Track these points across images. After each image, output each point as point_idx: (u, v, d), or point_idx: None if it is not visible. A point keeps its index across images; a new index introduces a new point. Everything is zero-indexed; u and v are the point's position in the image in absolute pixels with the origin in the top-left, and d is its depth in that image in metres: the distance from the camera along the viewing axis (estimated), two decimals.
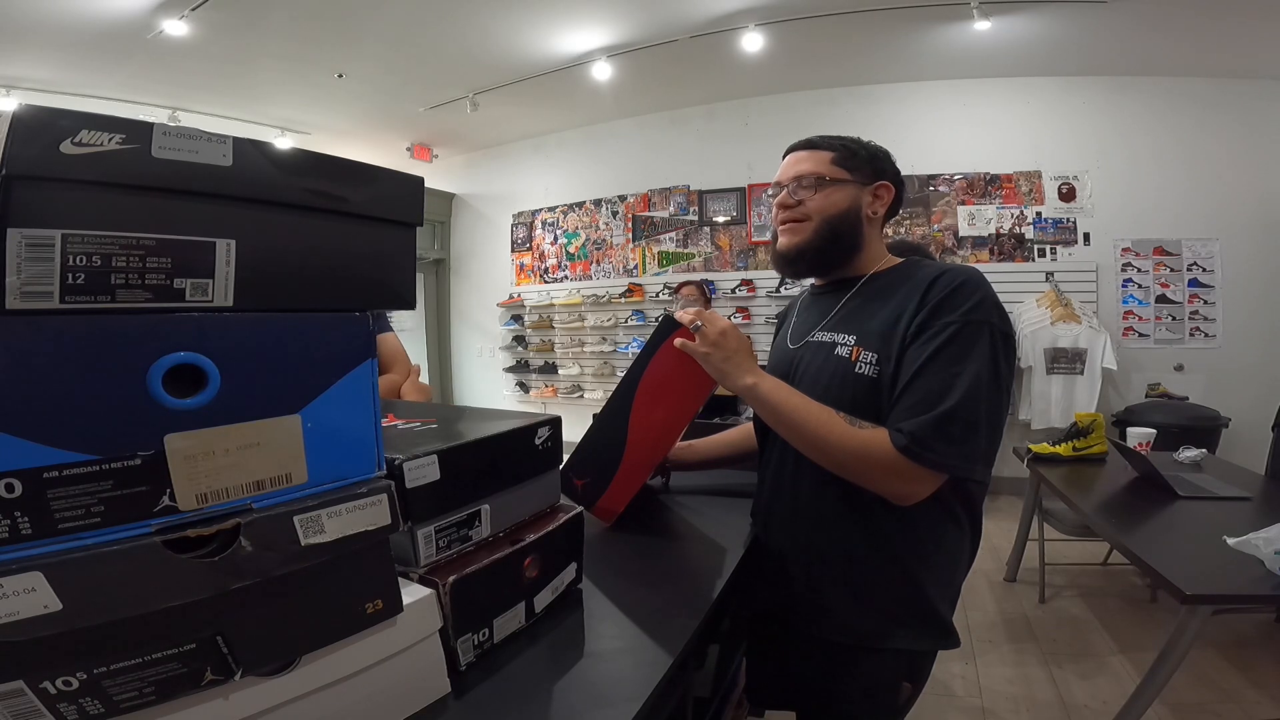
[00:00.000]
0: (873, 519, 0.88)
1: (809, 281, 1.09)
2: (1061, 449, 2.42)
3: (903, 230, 4.16)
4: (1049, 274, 3.93)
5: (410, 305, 0.54)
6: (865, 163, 0.96)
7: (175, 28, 3.18)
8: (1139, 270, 3.86)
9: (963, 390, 0.79)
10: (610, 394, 1.04)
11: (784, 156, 1.02)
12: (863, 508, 0.88)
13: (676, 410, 1.01)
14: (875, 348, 0.88)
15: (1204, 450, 2.35)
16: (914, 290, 0.88)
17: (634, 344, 4.80)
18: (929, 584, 0.90)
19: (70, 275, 0.35)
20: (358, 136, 5.10)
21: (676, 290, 3.31)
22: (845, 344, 0.92)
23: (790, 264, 0.99)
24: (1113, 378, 3.75)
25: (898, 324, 0.87)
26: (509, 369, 5.51)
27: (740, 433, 1.27)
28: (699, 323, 0.93)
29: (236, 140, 0.40)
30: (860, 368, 0.88)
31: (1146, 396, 3.73)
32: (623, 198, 5.00)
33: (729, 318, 4.37)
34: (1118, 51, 3.52)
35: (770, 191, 1.03)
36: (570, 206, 5.23)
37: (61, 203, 0.35)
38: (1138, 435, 2.42)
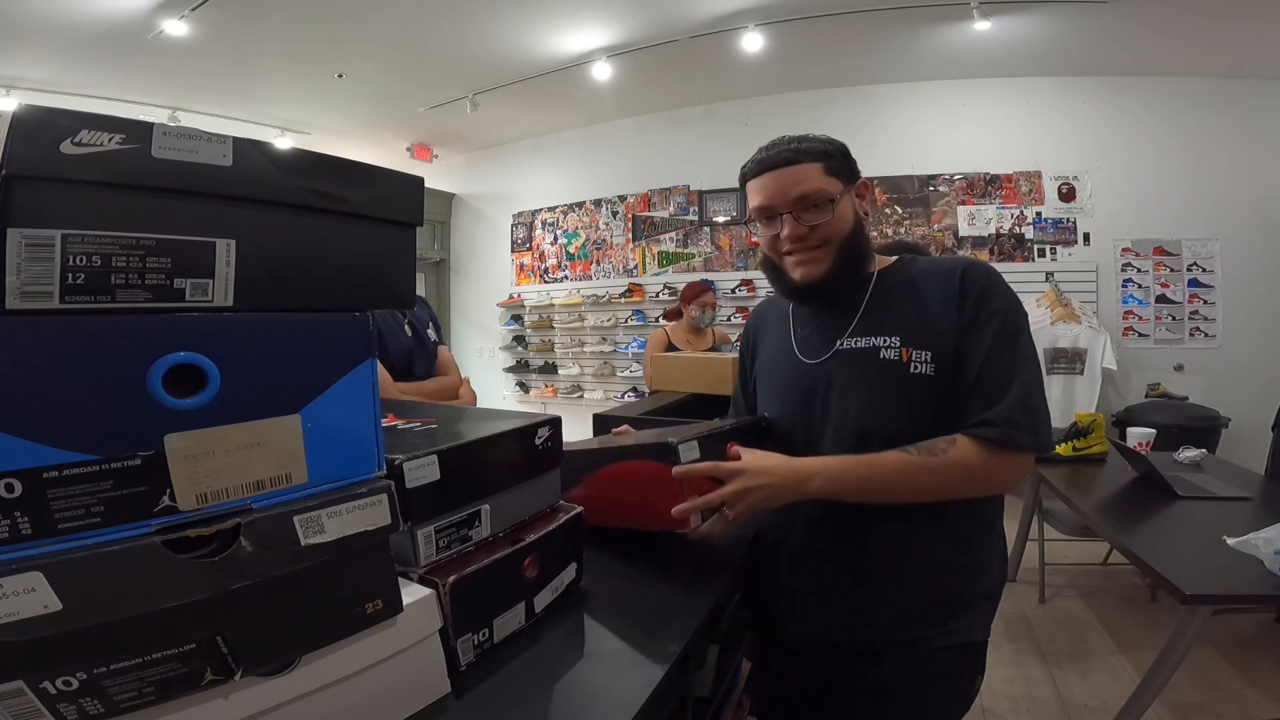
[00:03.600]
0: (915, 513, 0.86)
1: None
2: (1061, 449, 2.42)
3: (903, 230, 4.16)
4: (1049, 274, 3.93)
5: (410, 305, 0.54)
6: (844, 163, 0.91)
7: (175, 28, 3.18)
8: (1139, 270, 3.86)
9: (1027, 371, 0.83)
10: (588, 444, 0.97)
11: (751, 175, 0.93)
12: (904, 508, 0.85)
13: (627, 515, 0.89)
14: (928, 345, 0.86)
15: (1204, 450, 2.35)
16: (944, 284, 0.88)
17: (634, 344, 4.80)
18: (981, 570, 0.90)
19: (70, 275, 0.35)
20: (358, 136, 5.09)
21: (691, 299, 3.05)
22: (890, 346, 0.88)
23: (815, 297, 0.94)
24: (1113, 378, 3.75)
25: (943, 319, 0.86)
26: (509, 369, 5.51)
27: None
28: (725, 509, 0.80)
29: (236, 140, 0.40)
30: (916, 367, 0.86)
31: (1146, 396, 3.73)
32: (623, 198, 5.00)
33: (729, 318, 4.37)
34: (1118, 52, 3.52)
35: (759, 219, 0.92)
36: (570, 206, 5.23)
37: (61, 203, 0.35)
38: (1138, 435, 2.42)
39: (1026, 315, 0.87)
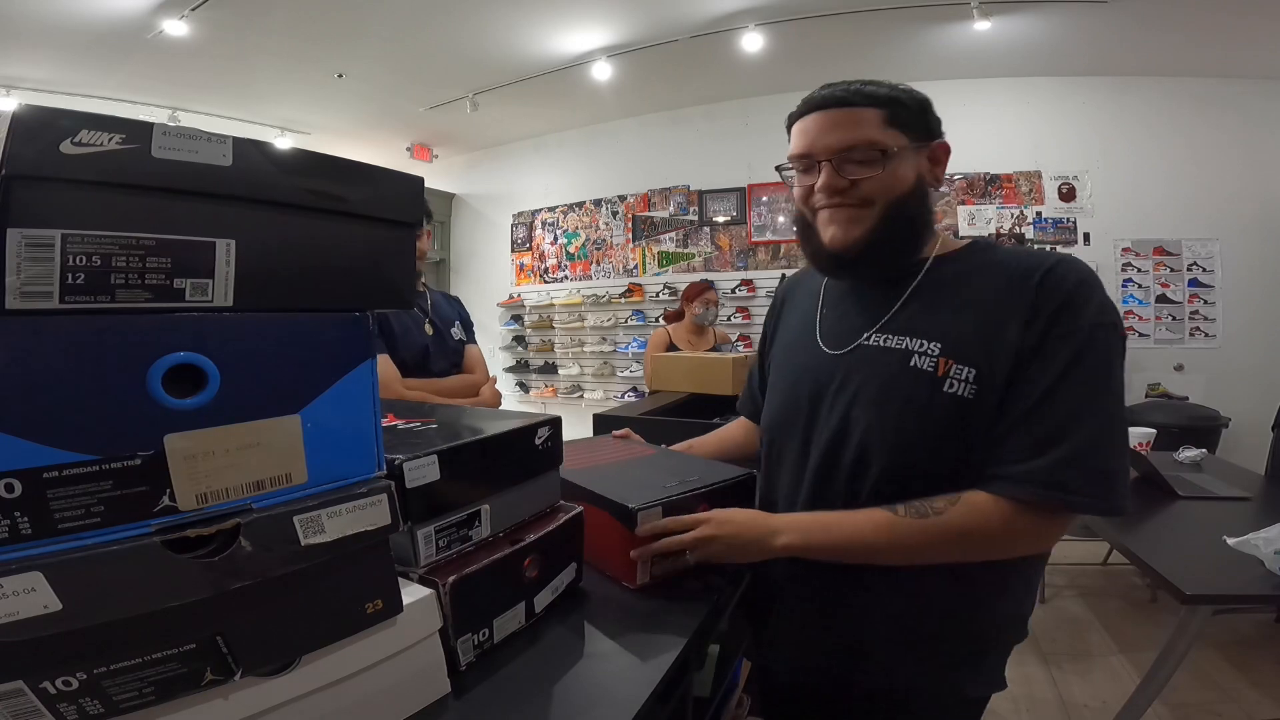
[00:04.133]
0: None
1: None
2: None
3: None
4: None
5: (410, 305, 0.54)
6: (918, 117, 0.74)
7: (175, 28, 3.17)
8: (1139, 270, 3.86)
9: (1103, 416, 0.64)
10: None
11: (797, 115, 0.78)
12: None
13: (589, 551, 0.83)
14: (974, 360, 0.69)
15: (1204, 450, 2.35)
16: (1016, 285, 0.69)
17: (634, 344, 4.79)
18: (999, 620, 0.77)
19: (70, 275, 0.35)
20: (358, 136, 5.09)
21: (694, 297, 3.06)
22: (926, 353, 0.71)
23: (848, 265, 0.78)
24: None
25: (1002, 330, 0.68)
26: (509, 369, 5.50)
27: (742, 429, 1.11)
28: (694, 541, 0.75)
29: (236, 140, 0.40)
30: (952, 385, 0.69)
31: (1146, 396, 3.73)
32: (623, 198, 5.00)
33: (729, 318, 4.37)
34: (1118, 51, 3.52)
35: (794, 167, 0.78)
36: (570, 206, 5.23)
37: (61, 203, 0.35)
38: (1138, 435, 2.42)
39: (1124, 339, 0.69)
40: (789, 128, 0.80)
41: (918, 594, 0.74)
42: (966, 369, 0.69)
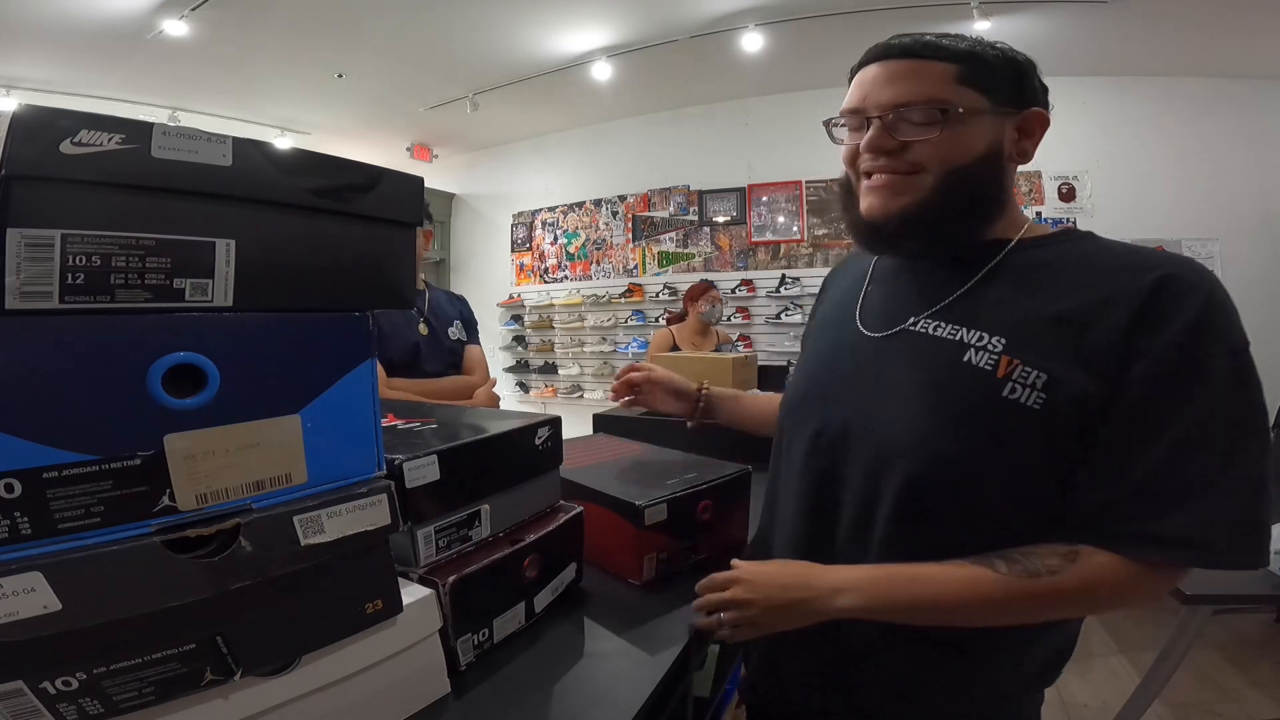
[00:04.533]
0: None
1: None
2: None
3: None
4: None
5: (410, 305, 0.54)
6: (1005, 77, 0.63)
7: (175, 28, 3.17)
8: None
9: (1253, 458, 0.53)
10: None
11: (858, 66, 0.67)
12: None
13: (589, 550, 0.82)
14: (1047, 362, 0.56)
15: None
16: (1117, 284, 0.56)
17: (634, 344, 4.79)
18: (1023, 678, 0.67)
19: (70, 275, 0.35)
20: (358, 136, 5.09)
21: (697, 296, 3.07)
22: (985, 348, 0.59)
23: (886, 240, 0.67)
24: None
25: (1090, 333, 0.56)
26: (509, 369, 5.50)
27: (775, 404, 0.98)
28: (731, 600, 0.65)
29: (236, 140, 0.40)
30: (1013, 390, 0.57)
31: None
32: (623, 198, 5.00)
33: (729, 318, 4.37)
34: (1118, 52, 3.52)
35: (844, 123, 0.68)
36: (570, 206, 5.23)
37: (61, 203, 0.35)
38: None
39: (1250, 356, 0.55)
40: (850, 81, 0.69)
41: (924, 657, 0.63)
42: (1035, 373, 0.56)
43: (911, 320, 0.66)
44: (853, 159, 0.68)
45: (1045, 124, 0.65)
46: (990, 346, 0.60)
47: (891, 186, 0.64)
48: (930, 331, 0.64)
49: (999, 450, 0.58)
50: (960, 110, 0.61)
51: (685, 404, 1.04)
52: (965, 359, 0.60)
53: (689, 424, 1.05)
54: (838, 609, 0.60)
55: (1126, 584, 0.55)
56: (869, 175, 0.66)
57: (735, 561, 0.69)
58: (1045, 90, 0.66)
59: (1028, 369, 0.57)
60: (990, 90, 0.62)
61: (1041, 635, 0.64)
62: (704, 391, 1.04)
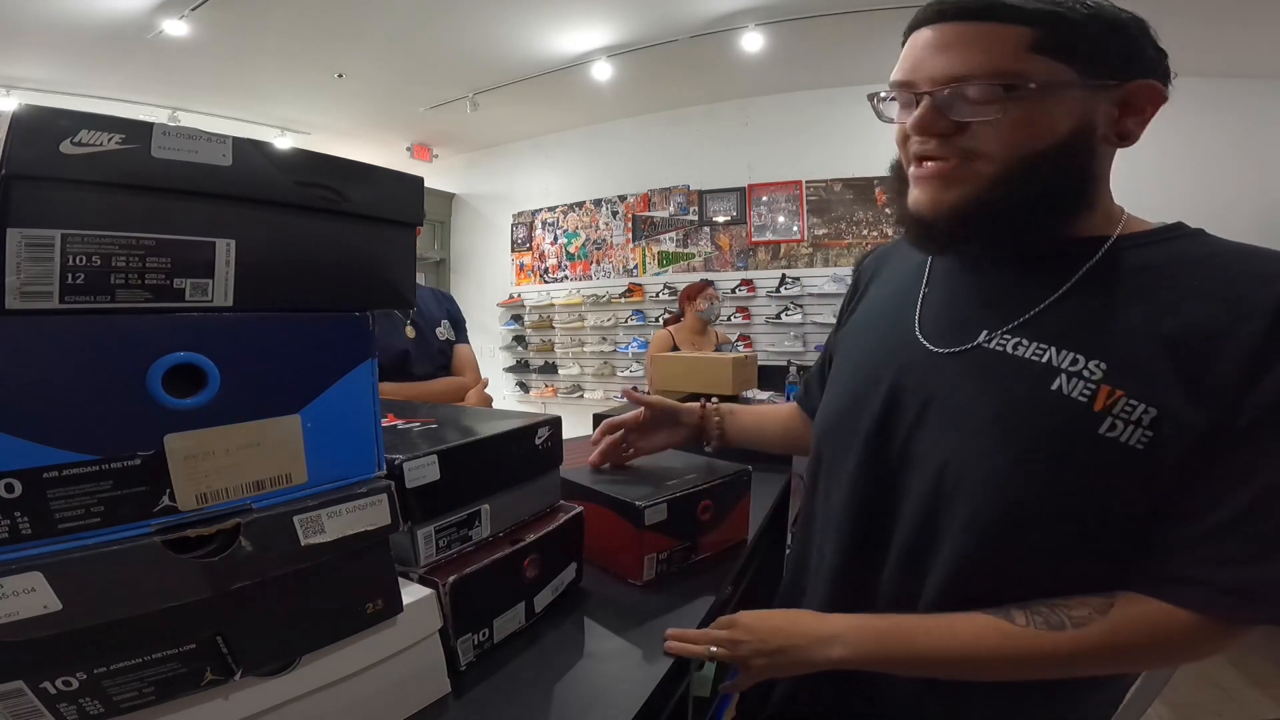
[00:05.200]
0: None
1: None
2: None
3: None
4: None
5: (410, 305, 0.54)
6: (1100, 41, 0.51)
7: (175, 28, 3.17)
8: None
9: None
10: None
11: (911, 27, 0.56)
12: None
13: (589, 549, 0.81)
14: (1157, 395, 0.47)
15: None
16: (1242, 297, 0.47)
17: (634, 344, 4.79)
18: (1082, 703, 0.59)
19: (70, 275, 0.35)
20: (358, 136, 5.10)
21: (695, 295, 3.08)
22: (1080, 374, 0.50)
23: (942, 238, 0.57)
24: None
25: (1213, 360, 0.46)
26: (509, 369, 5.50)
27: (786, 415, 0.92)
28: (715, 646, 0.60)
29: (236, 140, 0.40)
30: (1113, 427, 0.48)
31: None
32: (623, 198, 5.00)
33: (729, 318, 4.37)
34: None
35: (886, 94, 0.58)
36: (570, 206, 5.23)
37: (61, 203, 0.34)
38: None
39: None
40: (903, 44, 0.58)
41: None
42: (1143, 407, 0.47)
43: (986, 335, 0.56)
44: (905, 140, 0.58)
45: (1159, 99, 0.53)
46: (1086, 373, 0.50)
47: (942, 176, 0.54)
48: (1009, 350, 0.54)
49: (1088, 496, 0.49)
50: (1033, 86, 0.50)
51: (689, 426, 0.95)
52: (1055, 386, 0.51)
53: (706, 447, 0.97)
54: (829, 659, 0.55)
55: (1174, 637, 0.48)
56: (919, 161, 0.56)
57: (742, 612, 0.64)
58: (1162, 56, 0.53)
59: (1133, 402, 0.48)
60: (1077, 58, 0.50)
61: (1089, 690, 0.56)
62: (715, 419, 0.94)
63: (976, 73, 0.51)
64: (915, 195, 0.57)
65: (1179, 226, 0.56)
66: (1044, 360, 0.52)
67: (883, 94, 0.59)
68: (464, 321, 1.88)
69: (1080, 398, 0.50)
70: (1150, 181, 3.78)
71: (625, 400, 0.98)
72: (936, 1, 0.53)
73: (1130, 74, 0.52)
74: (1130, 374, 0.49)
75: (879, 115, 0.62)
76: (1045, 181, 0.52)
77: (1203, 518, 0.47)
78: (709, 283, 3.26)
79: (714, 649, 0.61)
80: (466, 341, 1.85)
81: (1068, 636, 0.48)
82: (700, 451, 1.04)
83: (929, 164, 0.55)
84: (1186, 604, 0.47)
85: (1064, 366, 0.51)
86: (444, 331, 1.75)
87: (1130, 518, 0.49)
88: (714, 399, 1.00)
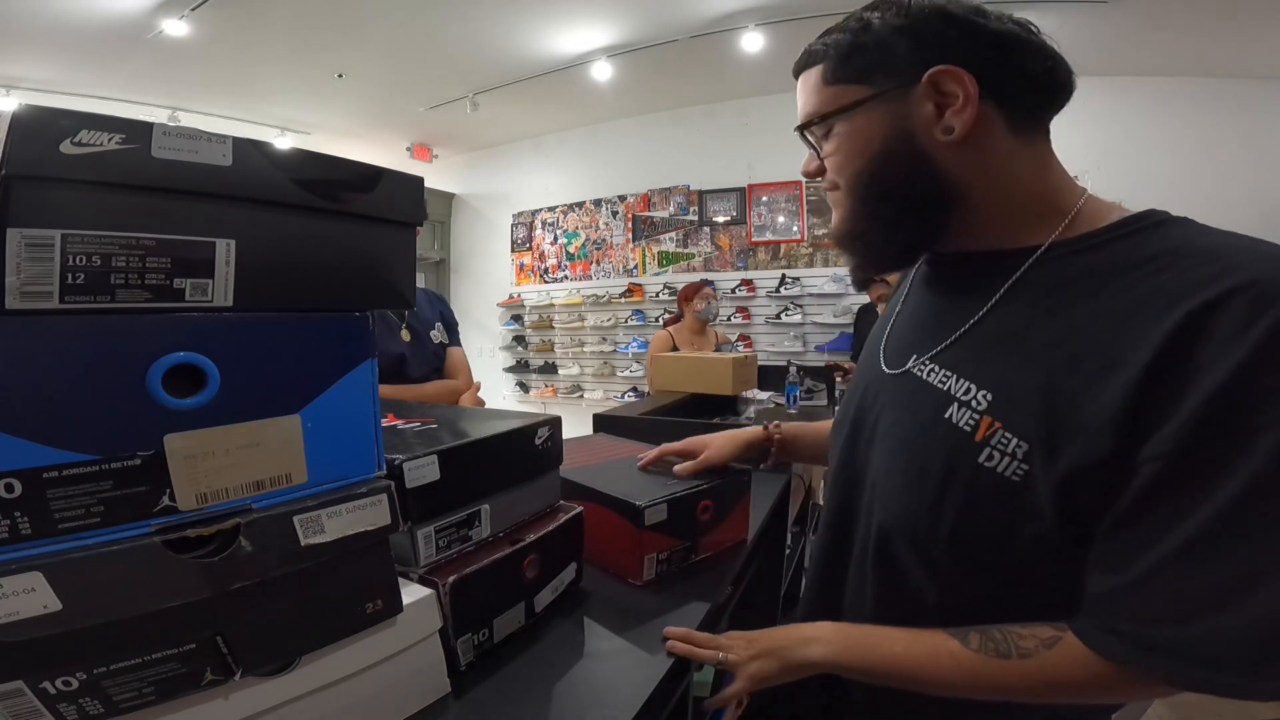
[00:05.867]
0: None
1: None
2: None
3: None
4: None
5: (410, 305, 0.54)
6: (888, 50, 0.53)
7: (175, 28, 3.18)
8: None
9: None
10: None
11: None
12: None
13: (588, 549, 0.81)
14: (1029, 429, 0.48)
15: None
16: (1143, 314, 0.44)
17: (634, 344, 4.80)
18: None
19: (70, 275, 0.35)
20: (358, 136, 5.10)
21: (691, 296, 3.09)
22: (969, 403, 0.52)
23: (847, 256, 0.63)
24: None
25: (1096, 387, 0.44)
26: (509, 369, 5.51)
27: None
28: (722, 655, 0.62)
29: (236, 140, 0.40)
30: (990, 457, 0.49)
31: None
32: (623, 198, 5.00)
33: (729, 318, 4.37)
34: (1118, 52, 3.52)
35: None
36: (570, 206, 5.23)
37: (61, 203, 0.34)
38: None
39: None
40: None
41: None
42: (1015, 440, 0.48)
43: (915, 359, 0.60)
44: None
45: (961, 80, 0.51)
46: (975, 403, 0.51)
47: (835, 205, 0.61)
48: (924, 376, 0.58)
49: (975, 520, 0.51)
50: (825, 115, 0.56)
51: (754, 452, 0.96)
52: (947, 414, 0.53)
53: (761, 465, 0.99)
54: (808, 658, 0.58)
55: (1101, 685, 0.46)
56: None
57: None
58: (973, 32, 0.51)
59: (1008, 435, 0.48)
60: (868, 75, 0.54)
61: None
62: (776, 436, 0.96)
63: (804, 119, 0.59)
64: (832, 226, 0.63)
65: (1148, 215, 0.52)
66: (945, 389, 0.55)
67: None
68: (456, 324, 1.89)
69: (965, 427, 0.51)
70: (1149, 181, 3.79)
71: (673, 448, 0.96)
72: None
73: (930, 63, 0.52)
74: (1012, 406, 0.49)
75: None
76: (885, 190, 0.56)
77: (1124, 567, 0.44)
78: (706, 283, 3.26)
79: (722, 655, 0.63)
80: (459, 344, 1.86)
81: (1011, 666, 0.49)
82: None
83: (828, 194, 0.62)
84: (1108, 654, 0.45)
85: (958, 395, 0.53)
86: (438, 335, 1.76)
87: (1025, 549, 0.49)
88: (777, 423, 1.00)
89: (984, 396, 0.51)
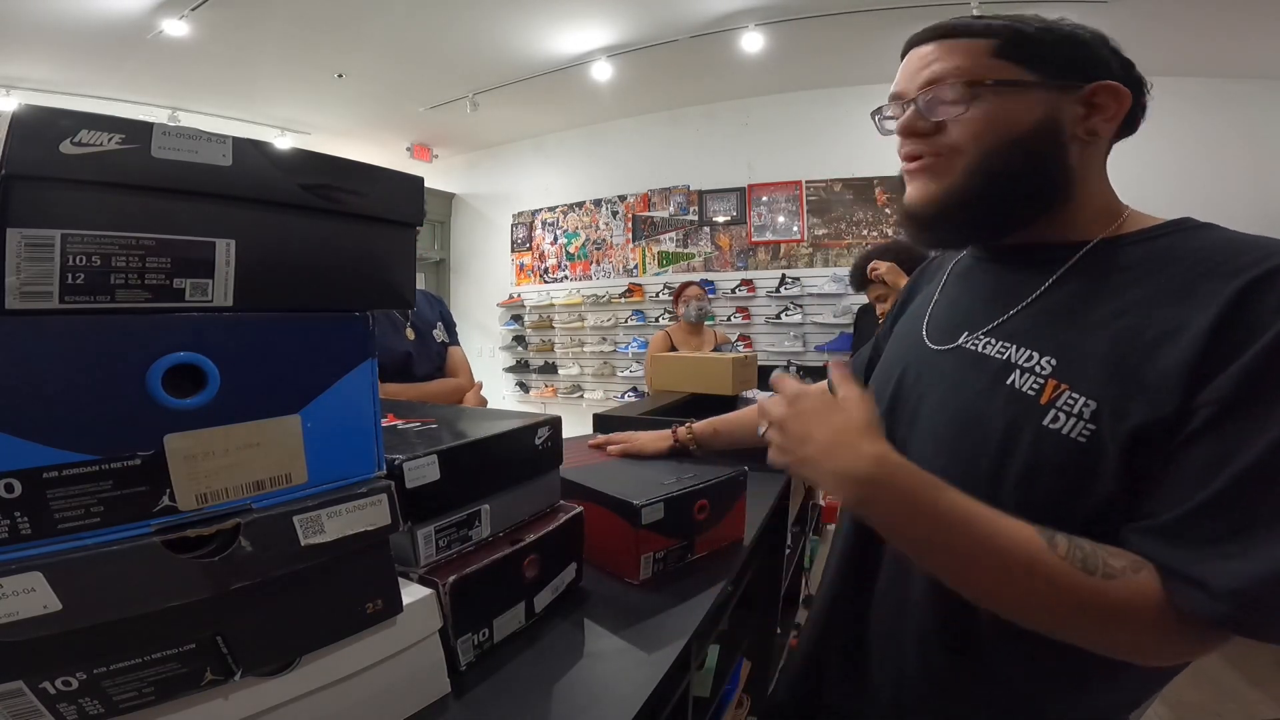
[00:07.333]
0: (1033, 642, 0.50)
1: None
2: None
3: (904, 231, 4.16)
4: None
5: (410, 305, 0.54)
6: (1056, 50, 0.57)
7: (175, 28, 3.18)
8: None
9: None
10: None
11: (904, 53, 0.64)
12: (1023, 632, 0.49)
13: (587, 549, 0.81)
14: (1095, 388, 0.49)
15: None
16: (1203, 288, 0.48)
17: (634, 344, 4.80)
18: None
19: (70, 275, 0.35)
20: (358, 136, 5.10)
21: (678, 294, 3.21)
22: (1032, 369, 0.53)
23: (929, 228, 0.62)
24: None
25: (1160, 351, 0.47)
26: (509, 369, 5.50)
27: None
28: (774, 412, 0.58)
29: (236, 140, 0.40)
30: (1058, 419, 0.50)
31: None
32: (623, 198, 5.00)
33: (728, 318, 4.37)
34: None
35: (887, 112, 0.65)
36: (570, 206, 5.23)
37: (61, 203, 0.35)
38: None
39: None
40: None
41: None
42: (1082, 400, 0.49)
43: (966, 335, 0.61)
44: (900, 146, 0.64)
45: (1123, 98, 0.57)
46: (1039, 368, 0.53)
47: (926, 171, 0.60)
48: (980, 349, 0.59)
49: (1039, 484, 0.50)
50: (991, 82, 0.55)
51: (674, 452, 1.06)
52: (1009, 381, 0.54)
53: (692, 449, 1.08)
54: (851, 473, 0.51)
55: (1152, 626, 0.45)
56: (909, 160, 0.62)
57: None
58: (1129, 66, 0.59)
59: (1075, 395, 0.49)
60: (1036, 63, 0.56)
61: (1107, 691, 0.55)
62: (684, 439, 1.07)
63: (947, 76, 0.58)
64: (908, 192, 0.63)
65: (1184, 221, 0.58)
66: (1004, 358, 0.57)
67: (882, 109, 0.66)
68: (455, 324, 1.92)
69: (1029, 391, 0.53)
70: (1150, 181, 3.79)
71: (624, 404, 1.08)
72: (930, 27, 0.61)
73: (1091, 79, 0.57)
74: (1075, 368, 0.51)
75: (880, 130, 0.68)
76: (1015, 171, 0.57)
77: (1190, 499, 0.45)
78: (690, 283, 3.28)
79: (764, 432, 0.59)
80: (458, 344, 1.89)
81: (1090, 585, 0.45)
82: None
83: (916, 162, 0.61)
84: (1172, 588, 0.44)
85: (1019, 363, 0.55)
86: (439, 334, 1.79)
87: (1089, 514, 0.49)
88: (688, 424, 1.10)
89: (1047, 362, 0.53)
